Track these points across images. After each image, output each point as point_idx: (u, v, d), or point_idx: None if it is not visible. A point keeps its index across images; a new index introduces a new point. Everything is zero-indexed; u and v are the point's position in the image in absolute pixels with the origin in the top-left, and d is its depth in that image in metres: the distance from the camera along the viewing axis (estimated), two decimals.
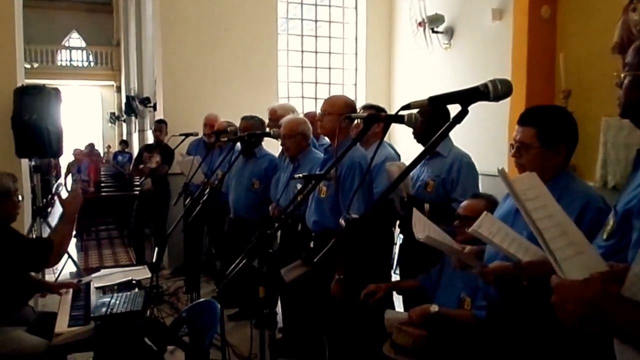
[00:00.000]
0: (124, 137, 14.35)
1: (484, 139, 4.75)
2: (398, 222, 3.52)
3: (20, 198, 2.90)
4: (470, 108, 1.31)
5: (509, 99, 1.31)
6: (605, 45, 3.77)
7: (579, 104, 4.00)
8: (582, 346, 1.80)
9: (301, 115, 4.18)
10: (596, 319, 1.02)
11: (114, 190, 9.48)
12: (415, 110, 1.80)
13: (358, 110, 3.67)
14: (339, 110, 3.09)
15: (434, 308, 2.47)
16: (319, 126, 3.31)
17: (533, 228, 1.22)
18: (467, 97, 1.31)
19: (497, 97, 1.28)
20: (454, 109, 1.35)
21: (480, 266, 1.98)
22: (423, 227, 2.17)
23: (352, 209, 2.65)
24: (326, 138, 3.65)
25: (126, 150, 12.12)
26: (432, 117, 2.88)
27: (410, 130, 2.97)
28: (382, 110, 3.55)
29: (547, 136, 1.97)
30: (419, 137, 3.13)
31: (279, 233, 3.53)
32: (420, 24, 5.84)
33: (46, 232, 4.98)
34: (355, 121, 3.15)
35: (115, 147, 15.13)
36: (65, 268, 5.42)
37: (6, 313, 2.68)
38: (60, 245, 2.82)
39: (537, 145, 1.97)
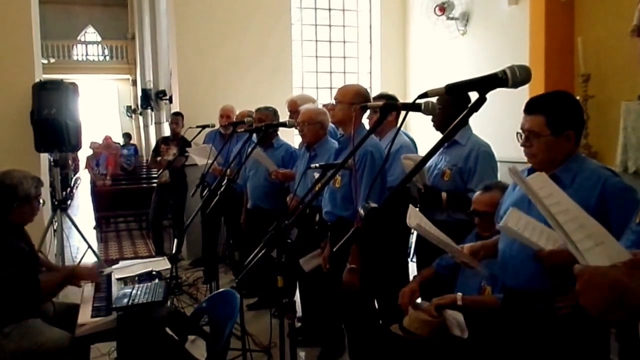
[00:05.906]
0: (141, 130, 14.32)
1: (504, 125, 4.66)
2: None
3: (41, 202, 2.86)
4: (489, 94, 1.29)
5: (527, 84, 1.29)
6: (624, 29, 3.70)
7: (599, 89, 3.94)
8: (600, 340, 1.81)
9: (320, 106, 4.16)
10: (622, 304, 0.99)
11: (132, 183, 9.57)
12: (433, 99, 1.79)
13: (371, 100, 3.63)
14: (351, 99, 3.06)
15: (459, 297, 2.42)
16: (331, 115, 3.29)
17: (553, 223, 1.21)
18: (485, 85, 1.28)
19: (516, 84, 1.26)
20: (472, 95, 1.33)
21: (479, 266, 1.98)
22: (419, 220, 2.14)
23: (365, 198, 2.63)
24: None
25: (130, 142, 11.96)
26: (451, 105, 2.84)
27: (427, 118, 2.94)
28: (395, 99, 3.51)
29: (556, 123, 1.95)
30: (438, 125, 3.09)
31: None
32: (441, 9, 5.78)
33: (67, 224, 5.03)
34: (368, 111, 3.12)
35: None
36: (86, 259, 5.48)
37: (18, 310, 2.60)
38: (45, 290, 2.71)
39: (548, 133, 1.95)
